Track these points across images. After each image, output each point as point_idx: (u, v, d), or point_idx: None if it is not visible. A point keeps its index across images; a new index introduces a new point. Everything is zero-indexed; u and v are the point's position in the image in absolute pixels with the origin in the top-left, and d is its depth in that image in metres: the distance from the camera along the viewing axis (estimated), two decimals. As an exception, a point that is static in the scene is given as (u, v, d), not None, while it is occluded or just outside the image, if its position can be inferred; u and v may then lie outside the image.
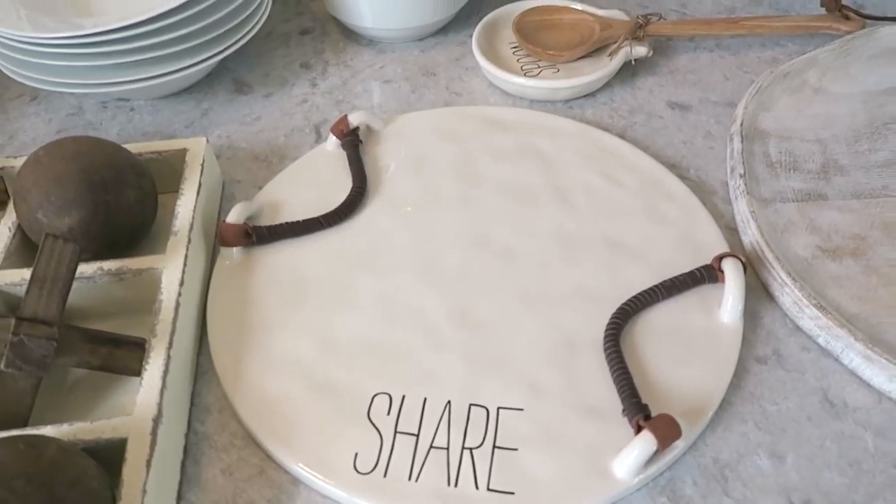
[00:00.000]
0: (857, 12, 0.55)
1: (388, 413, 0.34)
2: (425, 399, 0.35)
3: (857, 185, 0.44)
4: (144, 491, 0.29)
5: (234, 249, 0.41)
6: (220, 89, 0.55)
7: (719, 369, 0.36)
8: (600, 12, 0.55)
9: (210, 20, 0.48)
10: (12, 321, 0.31)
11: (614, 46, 0.53)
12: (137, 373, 0.34)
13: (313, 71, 0.56)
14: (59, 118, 0.53)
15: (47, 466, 0.27)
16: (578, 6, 0.55)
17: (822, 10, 0.56)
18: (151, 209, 0.41)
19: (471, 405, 0.34)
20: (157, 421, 0.31)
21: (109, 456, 0.30)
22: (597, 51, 0.54)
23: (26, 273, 0.37)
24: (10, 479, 0.25)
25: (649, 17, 0.54)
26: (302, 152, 0.49)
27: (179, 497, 0.33)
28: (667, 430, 0.31)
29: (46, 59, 0.46)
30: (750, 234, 0.41)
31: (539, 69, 0.53)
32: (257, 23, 0.52)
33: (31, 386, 0.33)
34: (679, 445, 0.32)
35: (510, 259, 0.41)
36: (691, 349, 0.36)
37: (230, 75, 0.56)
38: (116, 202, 0.38)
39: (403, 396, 0.35)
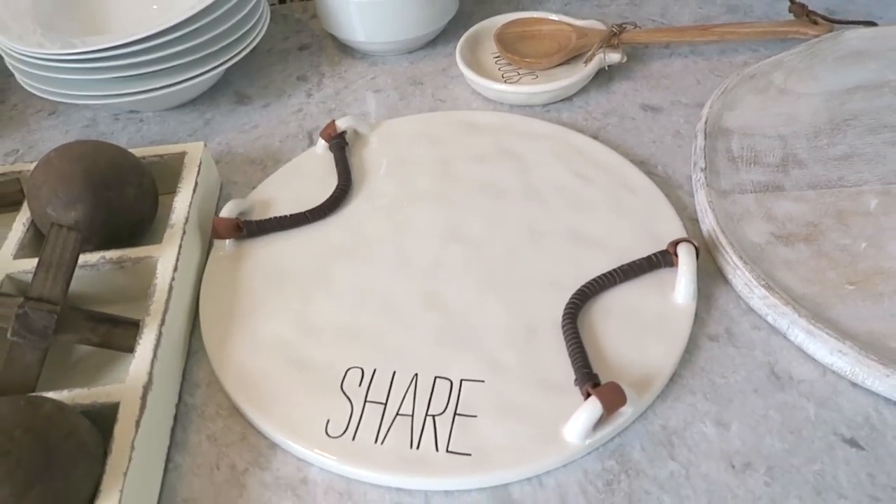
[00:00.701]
0: (824, 17, 0.58)
1: (360, 384, 0.37)
2: (394, 372, 0.38)
3: (814, 177, 0.46)
4: (133, 447, 0.32)
5: (227, 242, 0.44)
6: (222, 101, 0.59)
7: (671, 346, 0.38)
8: (577, 22, 0.58)
9: (210, 35, 0.52)
10: (21, 299, 0.35)
11: (589, 53, 0.56)
12: (132, 350, 0.37)
13: (309, 83, 0.60)
14: (75, 129, 0.58)
15: (44, 420, 0.30)
16: (555, 17, 0.59)
17: (791, 16, 0.59)
18: (151, 206, 0.45)
19: (436, 377, 0.37)
20: (147, 388, 0.34)
21: (105, 422, 0.34)
22: (574, 58, 0.57)
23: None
24: (11, 429, 0.29)
25: (624, 26, 0.57)
26: (295, 156, 0.52)
27: (168, 459, 0.36)
28: (612, 396, 0.34)
29: (62, 74, 0.51)
30: (707, 223, 0.43)
31: (519, 76, 0.57)
32: (255, 38, 0.56)
33: (38, 360, 0.37)
34: (627, 413, 0.35)
35: (481, 250, 0.44)
36: (645, 328, 0.39)
37: (232, 88, 0.60)
38: (117, 198, 0.42)
39: (374, 370, 0.38)
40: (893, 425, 0.35)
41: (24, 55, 0.51)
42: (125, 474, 0.31)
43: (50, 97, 0.52)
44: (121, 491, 0.31)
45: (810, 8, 0.59)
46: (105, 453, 0.32)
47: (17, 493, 0.28)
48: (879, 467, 0.33)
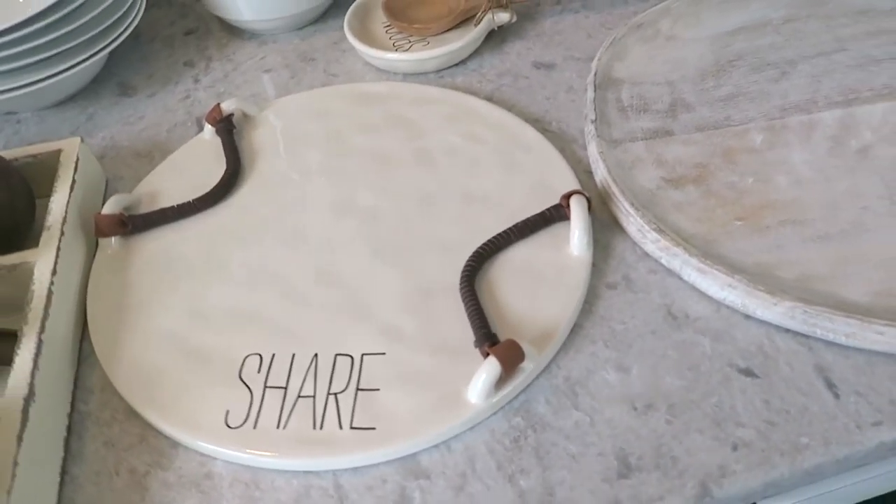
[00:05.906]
0: (705, -38, 0.58)
1: (259, 371, 0.36)
2: (294, 355, 0.37)
3: (702, 119, 0.47)
4: (16, 463, 0.30)
5: (113, 239, 0.42)
6: (104, 94, 0.56)
7: (569, 298, 0.38)
8: (465, -15, 0.58)
9: (81, 21, 0.49)
10: None
11: (478, 15, 0.55)
12: (10, 362, 0.36)
13: (196, 68, 0.58)
14: (-56, 137, 0.54)
15: None
16: (442, -19, 0.58)
17: (674, -37, 0.59)
18: (25, 211, 0.42)
19: (336, 355, 0.36)
20: (28, 400, 0.33)
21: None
22: (465, 21, 0.57)
23: None
24: None
25: (512, -16, 0.57)
26: (183, 145, 0.50)
27: (64, 471, 0.34)
28: (510, 354, 0.34)
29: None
30: (600, 174, 0.44)
31: (410, 44, 0.56)
32: (131, 22, 0.54)
33: None
34: (529, 368, 0.35)
35: (372, 220, 0.43)
36: (543, 283, 0.39)
37: (115, 80, 0.57)
38: (-16, 204, 0.39)
39: (273, 355, 0.37)
40: (785, 351, 0.36)
41: None
42: (9, 493, 0.30)
43: None
44: (4, 510, 0.29)
45: (692, -47, 0.59)
46: (-15, 472, 0.30)
47: None
48: (773, 392, 0.34)
